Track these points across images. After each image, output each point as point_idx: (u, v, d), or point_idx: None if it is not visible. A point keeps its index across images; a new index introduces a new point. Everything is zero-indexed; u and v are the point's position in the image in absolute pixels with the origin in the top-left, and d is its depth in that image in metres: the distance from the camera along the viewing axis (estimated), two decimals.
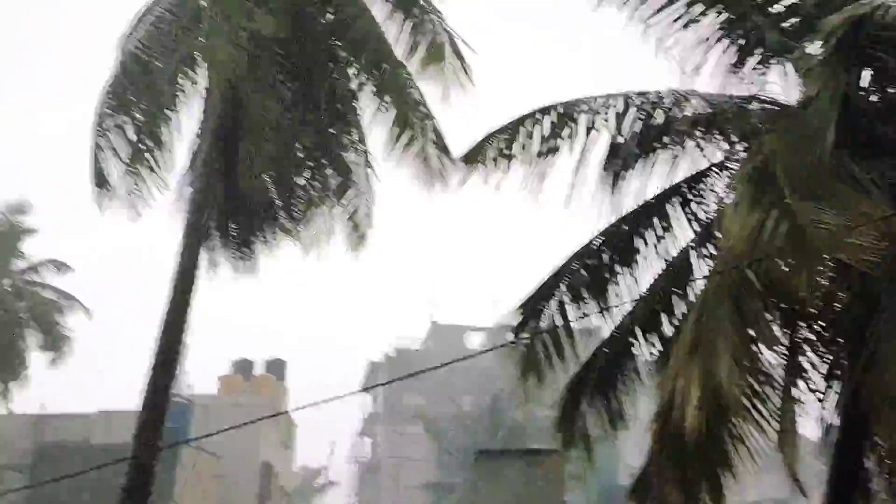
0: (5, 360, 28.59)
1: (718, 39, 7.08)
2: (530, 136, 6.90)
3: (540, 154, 6.91)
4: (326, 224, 12.16)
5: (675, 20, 7.07)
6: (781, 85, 6.92)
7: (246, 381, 44.18)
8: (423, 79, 10.92)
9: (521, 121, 6.98)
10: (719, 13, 7.05)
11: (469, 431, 44.07)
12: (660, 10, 7.10)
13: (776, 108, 6.86)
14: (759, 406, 5.95)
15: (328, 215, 12.15)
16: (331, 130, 11.86)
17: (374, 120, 11.43)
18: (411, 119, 10.86)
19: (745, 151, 6.87)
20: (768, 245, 5.13)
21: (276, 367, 46.11)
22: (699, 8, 7.03)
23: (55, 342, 29.15)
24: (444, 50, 10.56)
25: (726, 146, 7.14)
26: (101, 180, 10.94)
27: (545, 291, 7.54)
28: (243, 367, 45.79)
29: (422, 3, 11.03)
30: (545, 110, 6.94)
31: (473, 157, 7.04)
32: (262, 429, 36.71)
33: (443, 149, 10.95)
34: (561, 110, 6.91)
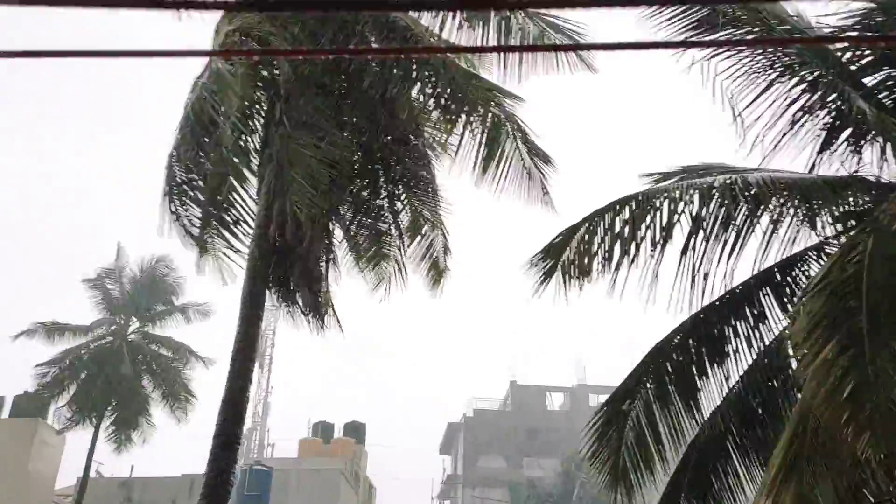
0: (127, 418, 28.99)
1: (805, 114, 6.68)
2: (609, 231, 6.59)
3: (621, 250, 6.56)
4: (399, 266, 11.77)
5: (759, 94, 6.74)
6: (878, 165, 6.46)
7: (325, 443, 44.40)
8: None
9: (599, 214, 6.69)
10: (806, 85, 6.66)
11: (547, 494, 42.81)
12: (742, 83, 6.78)
13: (874, 189, 6.40)
14: None
15: (400, 259, 11.76)
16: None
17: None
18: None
19: (840, 235, 6.41)
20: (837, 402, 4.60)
21: (355, 430, 46.18)
22: (787, 80, 6.67)
23: (178, 400, 29.40)
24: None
25: (820, 229, 6.68)
26: (188, 242, 10.90)
27: (630, 390, 7.11)
28: (324, 430, 46.09)
29: None
30: (624, 202, 6.64)
31: (552, 255, 6.75)
32: (342, 491, 36.64)
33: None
34: (641, 199, 6.60)
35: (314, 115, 10.38)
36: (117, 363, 28.94)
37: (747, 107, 6.95)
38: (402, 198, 11.64)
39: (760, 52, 6.94)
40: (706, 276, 6.67)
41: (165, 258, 30.95)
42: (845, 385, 4.42)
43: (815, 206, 6.37)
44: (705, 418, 7.15)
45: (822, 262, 6.73)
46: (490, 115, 10.24)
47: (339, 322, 11.75)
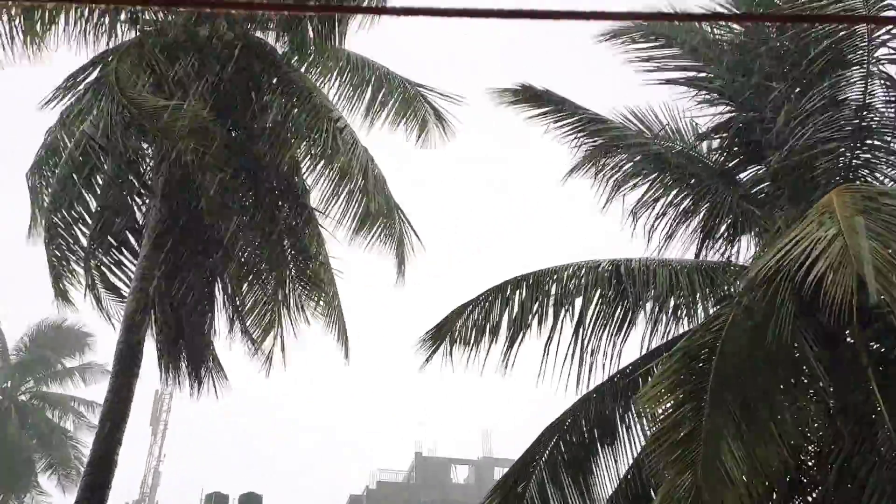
0: (11, 486, 26.75)
1: (687, 211, 7.26)
2: (501, 312, 6.85)
3: (511, 330, 6.82)
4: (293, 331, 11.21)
5: (645, 193, 7.31)
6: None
7: None
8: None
9: (491, 295, 6.95)
10: (684, 184, 7.28)
11: None
12: (631, 184, 7.36)
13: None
14: None
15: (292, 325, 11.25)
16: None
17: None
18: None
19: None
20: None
21: (250, 502, 44.09)
22: (667, 180, 7.26)
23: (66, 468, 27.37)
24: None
25: (702, 311, 7.13)
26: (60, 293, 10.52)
27: (524, 469, 7.19)
28: (217, 501, 43.81)
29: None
30: (516, 283, 6.94)
31: (441, 335, 6.91)
32: None
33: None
34: (531, 282, 6.91)
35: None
36: (2, 426, 26.85)
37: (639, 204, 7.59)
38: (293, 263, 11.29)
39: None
40: (593, 352, 6.97)
41: (64, 321, 29.17)
42: (678, 433, 4.75)
43: (697, 292, 6.83)
44: (599, 500, 7.28)
45: None
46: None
47: (225, 378, 11.31)
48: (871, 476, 5.76)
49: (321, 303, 11.30)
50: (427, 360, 6.77)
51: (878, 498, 5.62)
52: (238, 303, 11.31)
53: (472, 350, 6.68)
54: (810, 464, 6.31)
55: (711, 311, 7.03)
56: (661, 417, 5.24)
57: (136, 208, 10.83)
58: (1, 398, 28.20)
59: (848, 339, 6.46)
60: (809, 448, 6.21)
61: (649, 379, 7.48)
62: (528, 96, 8.31)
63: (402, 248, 10.58)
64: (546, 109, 8.26)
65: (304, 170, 11.04)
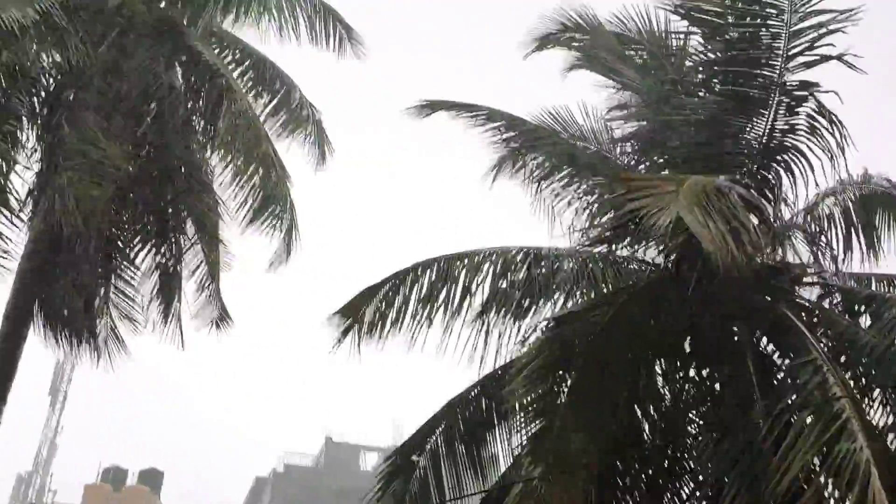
0: None
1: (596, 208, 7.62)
2: (409, 293, 6.99)
3: (420, 311, 6.98)
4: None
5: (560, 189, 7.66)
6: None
7: (116, 491, 41.05)
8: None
9: (400, 276, 7.10)
10: (595, 183, 7.65)
11: None
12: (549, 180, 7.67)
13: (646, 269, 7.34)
14: None
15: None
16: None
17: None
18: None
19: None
20: None
21: (151, 478, 43.09)
22: (580, 178, 7.61)
23: None
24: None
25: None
26: None
27: (421, 441, 7.41)
28: (115, 475, 42.62)
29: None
30: (426, 265, 7.10)
31: (349, 313, 7.01)
32: None
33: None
34: (442, 264, 7.09)
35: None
36: None
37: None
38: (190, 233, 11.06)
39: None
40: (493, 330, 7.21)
41: None
42: (536, 419, 5.07)
43: (602, 282, 7.16)
44: (492, 476, 7.57)
45: None
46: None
47: (123, 351, 11.05)
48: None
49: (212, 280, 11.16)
50: (339, 340, 6.86)
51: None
52: (131, 273, 11.10)
53: (380, 331, 6.82)
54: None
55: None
56: (526, 406, 5.54)
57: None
58: None
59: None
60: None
61: None
62: (442, 107, 8.50)
63: (289, 237, 10.58)
64: (462, 114, 8.46)
65: (205, 149, 10.94)
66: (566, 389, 5.40)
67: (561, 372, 5.63)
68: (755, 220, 6.06)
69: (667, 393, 6.76)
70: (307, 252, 10.96)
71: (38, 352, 10.80)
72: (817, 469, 5.42)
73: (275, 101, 11.22)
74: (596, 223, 7.47)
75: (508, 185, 8.24)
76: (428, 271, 7.06)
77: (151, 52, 10.18)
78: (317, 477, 51.53)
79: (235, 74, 11.04)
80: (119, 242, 10.99)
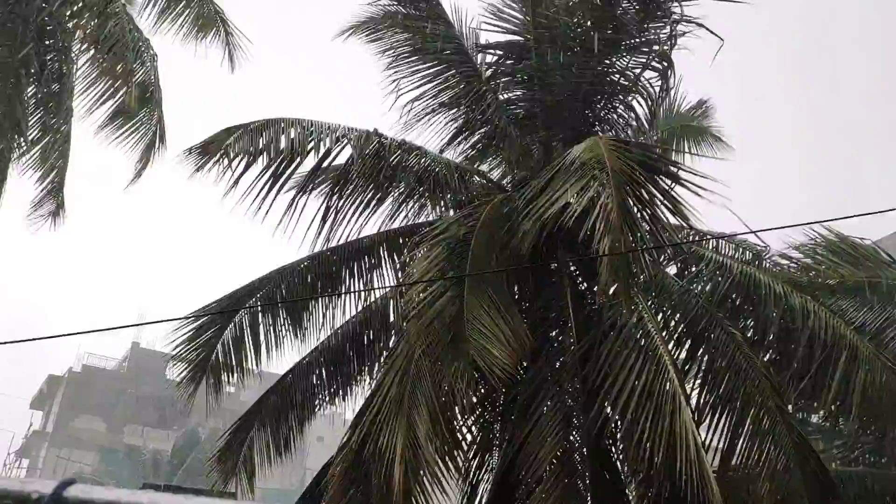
0: None
1: (448, 105, 7.69)
2: (272, 140, 6.75)
3: (278, 162, 6.77)
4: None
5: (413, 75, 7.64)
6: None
7: None
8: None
9: (265, 124, 6.84)
10: (454, 81, 7.71)
11: (150, 466, 40.64)
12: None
13: (492, 186, 7.54)
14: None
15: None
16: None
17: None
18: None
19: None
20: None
21: None
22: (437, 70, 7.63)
23: None
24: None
25: (442, 209, 7.64)
26: None
27: (239, 300, 7.27)
28: None
29: None
30: (292, 122, 6.89)
31: (211, 148, 6.66)
32: None
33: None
34: (307, 124, 6.90)
35: None
36: None
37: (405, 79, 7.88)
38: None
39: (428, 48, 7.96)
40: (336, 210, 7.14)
41: None
42: (444, 318, 5.23)
43: (444, 184, 7.28)
44: (309, 344, 7.61)
45: None
46: None
47: None
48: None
49: None
50: (195, 171, 6.51)
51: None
52: None
53: (233, 170, 6.52)
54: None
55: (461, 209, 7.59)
56: (424, 298, 5.62)
57: None
58: None
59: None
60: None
61: (381, 254, 7.93)
62: None
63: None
64: None
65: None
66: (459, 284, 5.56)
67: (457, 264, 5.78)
68: None
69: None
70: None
71: None
72: (634, 398, 5.87)
73: None
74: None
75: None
76: (293, 127, 6.81)
77: None
78: (119, 381, 49.17)
79: None
80: None
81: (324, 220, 7.15)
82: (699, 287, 7.28)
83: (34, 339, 4.13)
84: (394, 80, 7.76)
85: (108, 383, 48.58)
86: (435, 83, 7.87)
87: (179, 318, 7.03)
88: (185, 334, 7.24)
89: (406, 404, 5.48)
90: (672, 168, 5.92)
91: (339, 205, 7.30)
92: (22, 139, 9.84)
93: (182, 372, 7.24)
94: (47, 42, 9.83)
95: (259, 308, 7.31)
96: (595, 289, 7.48)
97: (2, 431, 67.42)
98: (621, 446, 6.66)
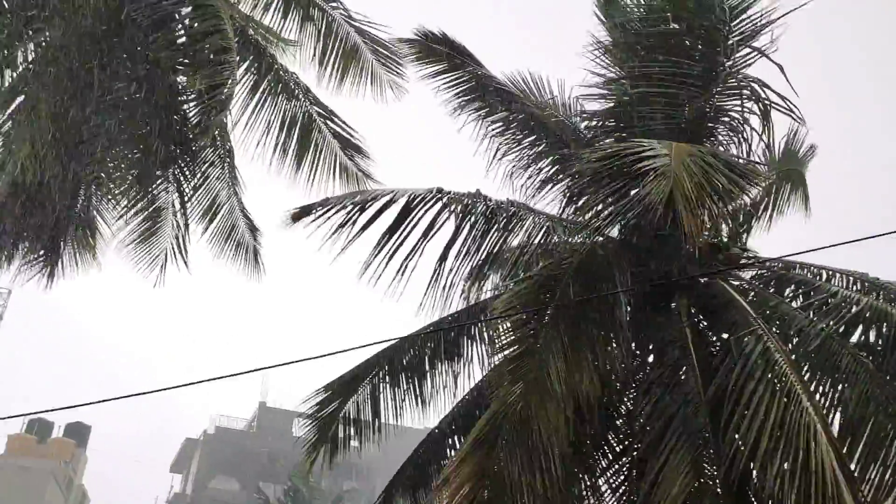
0: None
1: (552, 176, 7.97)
2: (377, 211, 7.13)
3: (385, 234, 7.13)
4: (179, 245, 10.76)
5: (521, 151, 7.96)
6: None
7: (40, 442, 40.16)
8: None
9: (369, 193, 7.23)
10: (555, 151, 7.98)
11: None
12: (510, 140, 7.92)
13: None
14: None
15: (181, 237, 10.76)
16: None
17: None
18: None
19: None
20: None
21: (78, 432, 42.27)
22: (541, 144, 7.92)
23: None
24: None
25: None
26: None
27: (361, 373, 7.67)
28: (40, 427, 41.63)
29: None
30: (397, 193, 7.25)
31: (310, 211, 7.09)
32: (48, 494, 33.15)
33: None
34: (414, 192, 7.25)
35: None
36: None
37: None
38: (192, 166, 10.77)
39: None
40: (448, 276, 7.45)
41: None
42: (517, 351, 5.43)
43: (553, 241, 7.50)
44: (433, 413, 7.91)
45: None
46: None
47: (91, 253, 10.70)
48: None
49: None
50: (292, 222, 6.92)
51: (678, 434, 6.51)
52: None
53: (338, 235, 6.89)
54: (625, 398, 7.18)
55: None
56: (506, 333, 5.85)
57: None
58: None
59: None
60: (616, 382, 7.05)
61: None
62: (430, 46, 8.59)
63: None
64: (444, 66, 8.60)
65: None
66: (546, 321, 5.77)
67: (541, 301, 5.99)
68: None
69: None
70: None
71: None
72: (766, 431, 5.84)
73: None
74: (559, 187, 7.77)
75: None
76: (400, 197, 7.17)
77: None
78: (249, 440, 51.22)
79: None
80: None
81: (437, 284, 7.47)
82: (826, 320, 7.14)
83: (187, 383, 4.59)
84: (497, 147, 8.09)
85: (240, 443, 50.70)
86: (538, 150, 8.14)
87: (310, 394, 7.51)
88: (312, 406, 7.71)
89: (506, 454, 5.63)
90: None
91: (453, 266, 7.62)
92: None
93: (310, 438, 7.69)
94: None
95: (381, 379, 7.69)
96: (716, 328, 7.49)
97: (145, 496, 71.29)
98: (756, 483, 6.57)
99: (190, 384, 4.76)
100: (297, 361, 4.67)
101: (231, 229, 11.23)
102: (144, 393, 4.76)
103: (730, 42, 7.42)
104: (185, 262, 10.93)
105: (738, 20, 7.40)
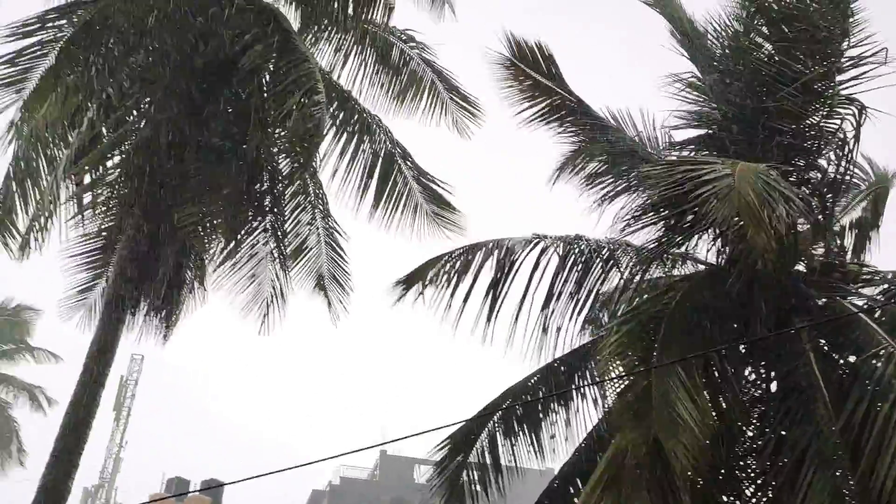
0: None
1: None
2: (475, 268, 7.23)
3: (488, 288, 7.22)
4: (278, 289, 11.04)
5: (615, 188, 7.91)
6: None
7: (179, 501, 42.07)
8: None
9: (467, 251, 7.37)
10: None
11: None
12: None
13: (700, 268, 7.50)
14: None
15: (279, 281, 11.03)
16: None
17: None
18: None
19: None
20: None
21: (212, 489, 43.93)
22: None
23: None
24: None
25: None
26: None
27: (477, 424, 7.71)
28: (178, 486, 43.67)
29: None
30: (493, 245, 7.35)
31: (414, 280, 7.29)
32: None
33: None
34: (509, 245, 7.33)
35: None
36: None
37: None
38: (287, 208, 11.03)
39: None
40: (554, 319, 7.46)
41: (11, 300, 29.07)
42: (635, 391, 5.30)
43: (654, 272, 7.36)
44: (551, 456, 7.83)
45: None
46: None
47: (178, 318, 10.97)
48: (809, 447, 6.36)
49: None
50: (399, 299, 7.14)
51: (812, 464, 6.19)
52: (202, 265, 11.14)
53: (442, 295, 7.03)
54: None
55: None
56: (618, 373, 5.78)
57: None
58: None
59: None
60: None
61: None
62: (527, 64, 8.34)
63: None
64: (540, 98, 8.44)
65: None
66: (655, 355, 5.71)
67: (649, 340, 5.92)
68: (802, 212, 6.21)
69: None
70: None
71: None
72: None
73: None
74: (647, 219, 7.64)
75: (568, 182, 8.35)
76: (496, 251, 7.27)
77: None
78: (372, 489, 51.90)
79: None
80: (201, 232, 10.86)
81: (542, 328, 7.48)
82: None
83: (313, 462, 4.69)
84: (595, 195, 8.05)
85: (364, 492, 51.42)
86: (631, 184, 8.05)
87: (432, 449, 7.61)
88: (434, 452, 7.81)
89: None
90: None
91: (555, 308, 7.60)
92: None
93: (435, 487, 7.77)
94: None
95: (498, 426, 7.71)
96: (841, 350, 7.09)
97: None
98: None
99: (329, 458, 4.93)
100: (418, 434, 4.77)
101: (320, 270, 11.41)
102: (286, 469, 4.94)
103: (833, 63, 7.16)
104: (282, 309, 11.19)
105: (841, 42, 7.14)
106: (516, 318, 7.34)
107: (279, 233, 11.12)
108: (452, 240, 10.53)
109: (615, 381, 5.84)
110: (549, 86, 8.14)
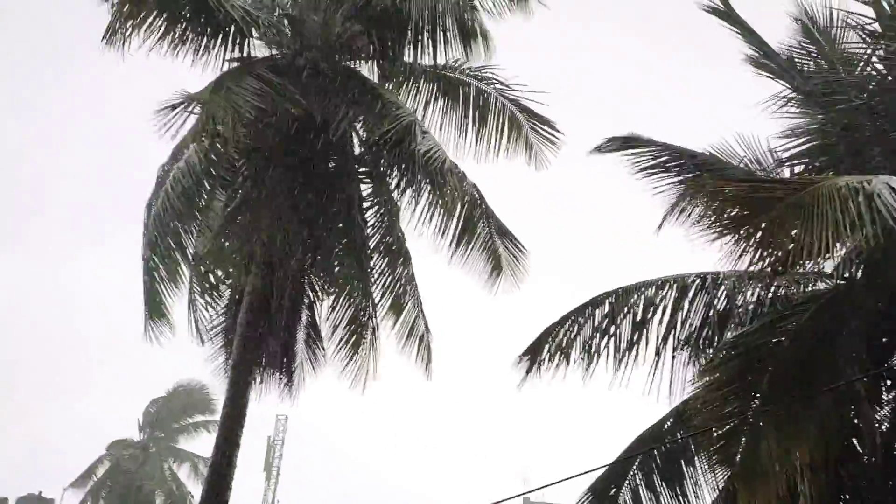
0: None
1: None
2: (586, 329, 7.10)
3: (599, 347, 7.07)
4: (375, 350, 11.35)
5: None
6: None
7: None
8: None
9: (576, 313, 7.24)
10: None
11: None
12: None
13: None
14: None
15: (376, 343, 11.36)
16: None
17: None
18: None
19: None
20: None
21: None
22: None
23: None
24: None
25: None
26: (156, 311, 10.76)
27: (617, 475, 7.40)
28: None
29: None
30: (597, 302, 7.19)
31: (533, 353, 7.24)
32: None
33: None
34: (620, 294, 7.14)
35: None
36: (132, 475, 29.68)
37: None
38: (382, 271, 11.32)
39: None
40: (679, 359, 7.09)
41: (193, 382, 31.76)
42: (733, 438, 4.94)
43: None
44: None
45: None
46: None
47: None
48: None
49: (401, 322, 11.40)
50: (522, 381, 7.11)
51: None
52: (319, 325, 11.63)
53: (560, 367, 6.96)
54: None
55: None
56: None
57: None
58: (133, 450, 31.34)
59: None
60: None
61: None
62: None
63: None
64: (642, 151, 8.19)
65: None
66: (758, 395, 5.35)
67: (750, 379, 5.57)
68: None
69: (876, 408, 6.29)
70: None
71: (250, 430, 10.92)
72: None
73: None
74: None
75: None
76: (598, 308, 7.12)
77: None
78: None
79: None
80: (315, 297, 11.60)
81: (662, 367, 7.13)
82: None
83: None
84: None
85: None
86: None
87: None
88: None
89: None
90: None
91: (675, 346, 7.23)
92: None
93: None
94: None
95: (639, 484, 7.37)
96: None
97: None
98: None
99: None
100: (562, 480, 4.66)
101: (412, 328, 11.47)
102: None
103: None
104: (376, 368, 11.49)
105: None
106: (655, 365, 7.07)
107: (373, 291, 11.49)
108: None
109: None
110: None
